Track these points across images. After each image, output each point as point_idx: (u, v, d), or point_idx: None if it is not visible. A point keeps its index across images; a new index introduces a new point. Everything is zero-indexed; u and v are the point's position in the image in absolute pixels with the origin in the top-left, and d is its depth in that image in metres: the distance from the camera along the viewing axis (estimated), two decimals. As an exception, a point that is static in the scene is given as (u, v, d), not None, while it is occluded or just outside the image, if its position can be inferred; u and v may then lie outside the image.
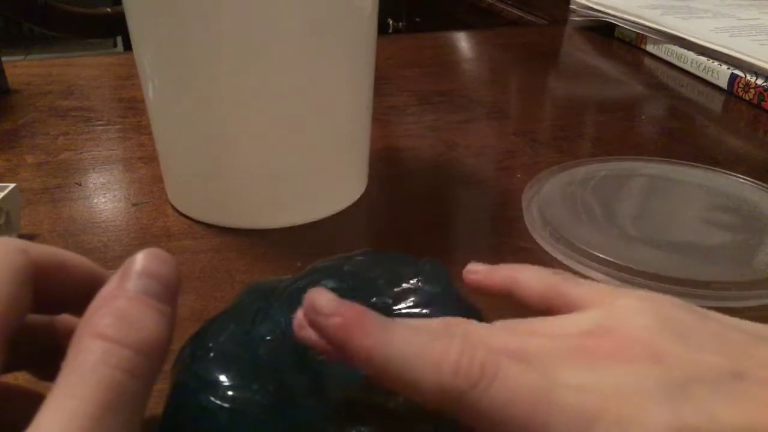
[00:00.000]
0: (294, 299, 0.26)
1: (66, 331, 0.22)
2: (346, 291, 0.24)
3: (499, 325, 0.22)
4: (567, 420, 0.18)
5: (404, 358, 0.18)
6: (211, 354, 0.23)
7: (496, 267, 0.26)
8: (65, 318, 0.23)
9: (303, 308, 0.20)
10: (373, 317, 0.19)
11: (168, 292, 0.19)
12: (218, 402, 0.21)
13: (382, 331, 0.19)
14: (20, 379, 0.23)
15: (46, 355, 0.21)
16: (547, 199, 0.42)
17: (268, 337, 0.24)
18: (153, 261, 0.19)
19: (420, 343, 0.19)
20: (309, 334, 0.20)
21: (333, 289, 0.20)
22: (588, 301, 0.22)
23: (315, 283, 0.26)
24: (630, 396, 0.18)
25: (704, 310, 0.22)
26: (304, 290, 0.26)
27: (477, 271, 0.26)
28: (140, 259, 0.19)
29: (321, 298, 0.19)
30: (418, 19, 1.40)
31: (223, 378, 0.22)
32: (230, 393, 0.21)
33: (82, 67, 0.71)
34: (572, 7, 0.88)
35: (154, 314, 0.18)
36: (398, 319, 0.20)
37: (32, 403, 0.16)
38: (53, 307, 0.22)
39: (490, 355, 0.19)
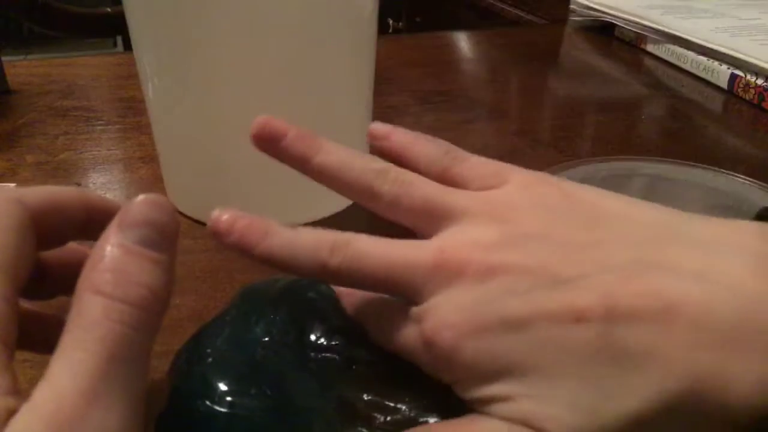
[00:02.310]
0: (291, 300, 0.26)
1: (59, 264, 0.23)
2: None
3: None
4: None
5: (291, 251, 0.23)
6: (209, 359, 0.23)
7: (393, 132, 0.27)
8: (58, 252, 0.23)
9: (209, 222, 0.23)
10: (254, 227, 0.23)
11: (165, 240, 0.19)
12: (216, 407, 0.21)
13: (267, 236, 0.23)
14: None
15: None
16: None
17: (265, 339, 0.24)
18: (149, 208, 0.19)
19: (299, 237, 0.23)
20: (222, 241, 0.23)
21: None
22: (477, 184, 0.25)
23: (311, 282, 0.26)
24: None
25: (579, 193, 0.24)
26: (301, 290, 0.26)
27: (375, 135, 0.28)
28: (136, 207, 0.19)
29: (220, 218, 0.23)
30: (418, 19, 1.39)
31: (221, 383, 0.22)
32: (228, 398, 0.21)
33: (82, 67, 0.71)
34: (572, 7, 0.88)
35: (151, 267, 0.18)
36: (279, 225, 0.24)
37: (52, 327, 0.17)
38: (51, 244, 0.22)
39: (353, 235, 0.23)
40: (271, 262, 0.23)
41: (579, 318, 0.19)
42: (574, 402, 0.19)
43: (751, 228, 0.21)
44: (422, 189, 0.24)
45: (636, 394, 0.19)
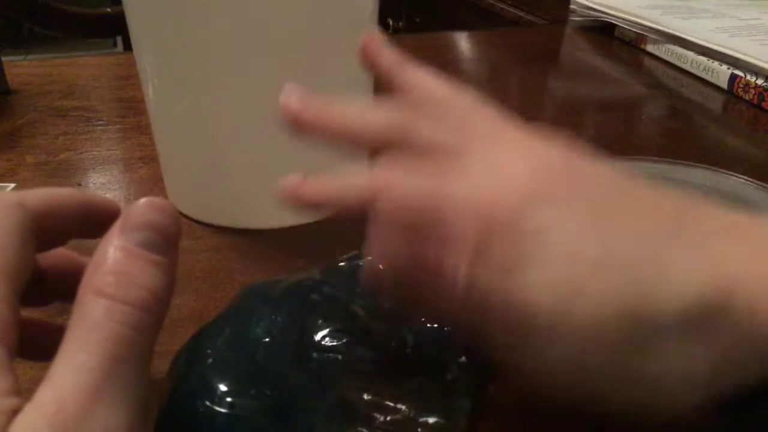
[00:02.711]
0: (294, 300, 0.26)
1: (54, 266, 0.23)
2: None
3: None
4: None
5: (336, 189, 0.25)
6: (209, 360, 0.23)
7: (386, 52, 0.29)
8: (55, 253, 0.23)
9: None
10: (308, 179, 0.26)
11: (167, 243, 0.19)
12: (217, 408, 0.21)
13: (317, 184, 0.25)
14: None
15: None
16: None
17: (266, 339, 0.24)
18: (151, 211, 0.19)
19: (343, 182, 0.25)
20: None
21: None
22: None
23: (314, 284, 0.26)
24: None
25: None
26: (304, 291, 0.26)
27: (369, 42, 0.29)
28: (139, 210, 0.19)
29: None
30: (418, 19, 1.40)
31: (221, 383, 0.22)
32: (229, 398, 0.21)
33: (82, 67, 0.71)
34: (572, 7, 0.88)
35: (153, 269, 0.18)
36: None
37: (53, 335, 0.17)
38: (50, 245, 0.22)
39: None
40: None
41: (657, 210, 0.21)
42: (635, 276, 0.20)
43: None
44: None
45: (692, 281, 0.19)
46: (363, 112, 0.27)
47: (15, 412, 0.15)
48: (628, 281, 0.19)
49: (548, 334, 0.20)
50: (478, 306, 0.21)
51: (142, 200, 0.19)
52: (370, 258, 0.24)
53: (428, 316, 0.25)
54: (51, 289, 0.23)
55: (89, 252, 0.19)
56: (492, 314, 0.21)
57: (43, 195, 0.21)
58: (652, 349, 0.19)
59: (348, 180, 0.25)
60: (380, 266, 0.23)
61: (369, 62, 0.28)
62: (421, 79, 0.27)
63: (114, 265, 0.18)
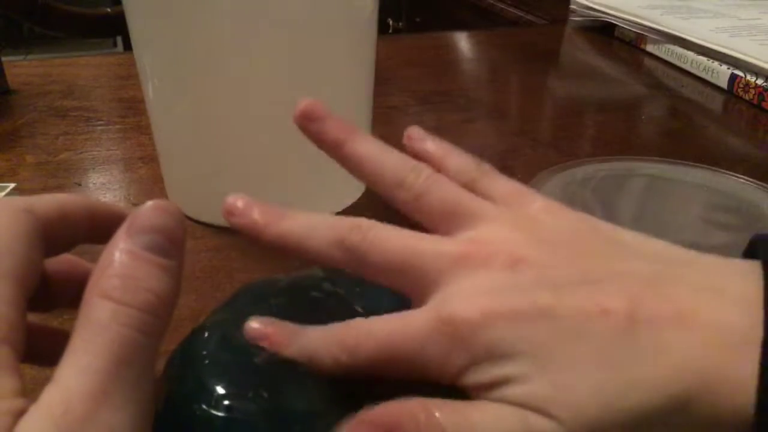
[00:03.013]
0: (293, 299, 0.26)
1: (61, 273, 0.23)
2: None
3: None
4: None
5: (309, 229, 0.24)
6: (205, 362, 0.22)
7: (428, 140, 0.28)
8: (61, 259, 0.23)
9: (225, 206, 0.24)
10: (270, 209, 0.24)
11: (173, 246, 0.19)
12: (213, 411, 0.21)
13: (284, 218, 0.24)
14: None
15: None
16: (547, 199, 0.42)
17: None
18: (158, 214, 0.19)
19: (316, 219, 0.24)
20: (235, 221, 0.24)
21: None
22: (501, 201, 0.25)
23: (313, 282, 0.26)
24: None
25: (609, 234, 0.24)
26: (304, 289, 0.26)
27: (412, 137, 0.28)
28: (145, 213, 0.19)
29: (236, 202, 0.24)
30: (418, 19, 1.40)
31: (218, 386, 0.21)
32: (226, 402, 0.21)
33: (82, 67, 0.71)
34: (572, 7, 0.88)
35: (159, 272, 0.18)
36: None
37: (57, 339, 0.17)
38: (57, 250, 0.22)
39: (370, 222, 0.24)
40: (284, 241, 0.23)
41: (606, 312, 0.20)
42: (597, 390, 0.20)
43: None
44: (454, 189, 0.25)
45: (654, 385, 0.19)
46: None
47: (21, 413, 0.16)
48: (584, 412, 0.20)
49: None
50: None
51: (149, 203, 0.19)
52: None
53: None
54: (57, 295, 0.23)
55: (95, 258, 0.19)
56: None
57: (50, 201, 0.21)
58: None
59: (317, 221, 0.24)
60: None
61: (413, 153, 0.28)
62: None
63: (120, 268, 0.18)
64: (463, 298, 0.21)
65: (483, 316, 0.21)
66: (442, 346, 0.21)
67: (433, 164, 0.26)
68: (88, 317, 0.17)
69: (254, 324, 0.23)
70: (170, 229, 0.19)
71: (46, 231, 0.20)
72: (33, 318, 0.23)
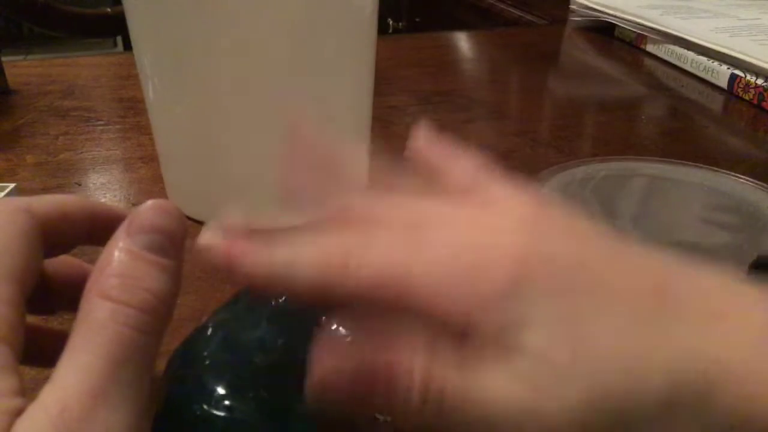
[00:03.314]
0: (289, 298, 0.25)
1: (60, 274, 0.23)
2: None
3: None
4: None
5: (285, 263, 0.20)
6: (206, 362, 0.22)
7: (436, 144, 0.26)
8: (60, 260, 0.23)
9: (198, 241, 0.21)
10: (247, 246, 0.21)
11: (173, 246, 0.19)
12: (214, 411, 0.21)
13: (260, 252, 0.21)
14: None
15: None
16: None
17: (264, 340, 0.23)
18: (157, 214, 0.19)
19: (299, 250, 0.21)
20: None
21: None
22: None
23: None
24: None
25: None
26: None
27: (419, 138, 0.26)
28: (145, 213, 0.19)
29: (205, 237, 0.21)
30: (418, 19, 1.39)
31: (218, 386, 0.21)
32: (226, 402, 0.21)
33: (82, 67, 0.71)
34: (572, 7, 0.88)
35: (157, 272, 0.18)
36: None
37: (55, 340, 0.17)
38: (57, 251, 0.22)
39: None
40: (269, 274, 0.21)
41: (634, 290, 0.19)
42: (621, 368, 0.18)
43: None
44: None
45: (676, 369, 0.18)
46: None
47: (19, 412, 0.16)
48: (603, 382, 0.18)
49: None
50: (435, 410, 0.19)
51: (148, 203, 0.19)
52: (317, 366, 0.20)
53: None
54: (56, 296, 0.23)
55: (93, 260, 0.19)
56: (451, 417, 0.19)
57: (50, 201, 0.21)
58: None
59: (300, 249, 0.21)
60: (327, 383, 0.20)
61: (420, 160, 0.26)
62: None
63: (119, 267, 0.18)
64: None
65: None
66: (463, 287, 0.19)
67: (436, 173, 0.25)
68: (86, 316, 0.17)
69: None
70: (170, 228, 0.19)
71: (46, 231, 0.20)
72: (33, 318, 0.23)
